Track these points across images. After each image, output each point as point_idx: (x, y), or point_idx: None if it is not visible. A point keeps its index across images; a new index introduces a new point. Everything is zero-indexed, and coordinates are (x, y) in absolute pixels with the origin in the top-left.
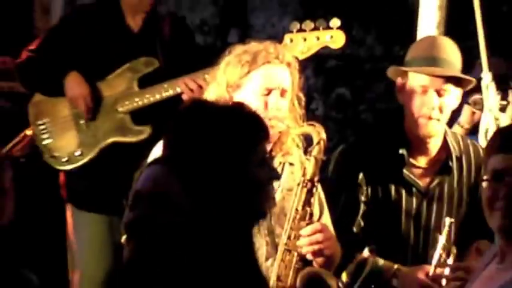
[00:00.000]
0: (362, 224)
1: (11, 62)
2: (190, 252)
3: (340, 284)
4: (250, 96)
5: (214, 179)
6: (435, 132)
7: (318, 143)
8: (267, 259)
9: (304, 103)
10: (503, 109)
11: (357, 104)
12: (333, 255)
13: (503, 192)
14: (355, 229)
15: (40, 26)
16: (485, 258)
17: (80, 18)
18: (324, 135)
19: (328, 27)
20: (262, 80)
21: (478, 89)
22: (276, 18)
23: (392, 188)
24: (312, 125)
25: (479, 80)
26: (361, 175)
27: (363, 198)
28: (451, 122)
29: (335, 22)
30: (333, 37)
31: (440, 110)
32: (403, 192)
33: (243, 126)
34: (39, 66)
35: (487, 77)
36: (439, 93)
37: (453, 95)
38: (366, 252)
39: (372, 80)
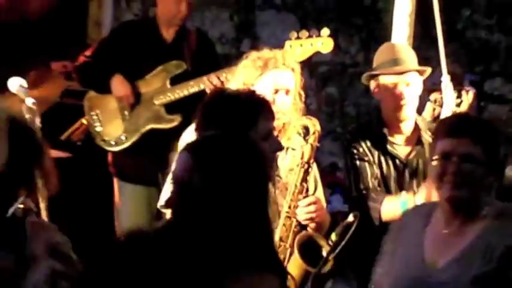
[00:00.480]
0: (371, 183)
1: (71, 65)
2: (213, 221)
3: (329, 243)
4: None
5: (229, 151)
6: (408, 116)
7: (314, 133)
8: None
9: (304, 99)
10: (458, 105)
11: (343, 100)
12: (323, 222)
13: (451, 169)
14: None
15: (93, 36)
16: (415, 219)
17: (125, 31)
18: (318, 127)
19: (319, 35)
20: (271, 81)
21: (438, 89)
22: (279, 32)
23: (382, 159)
24: (309, 118)
25: (439, 82)
26: (361, 149)
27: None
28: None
29: (325, 31)
30: (323, 43)
31: (409, 98)
32: (390, 163)
33: (255, 107)
34: (92, 69)
35: (445, 79)
36: (405, 85)
37: (416, 84)
38: (350, 217)
39: (354, 82)
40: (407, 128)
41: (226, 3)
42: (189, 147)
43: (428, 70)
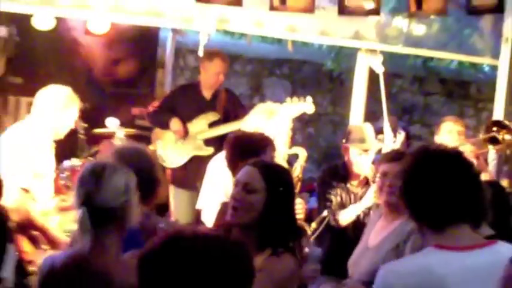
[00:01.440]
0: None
1: (145, 111)
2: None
3: (311, 228)
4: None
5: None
6: (364, 173)
7: (302, 157)
8: None
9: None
10: (394, 142)
11: (318, 136)
12: (304, 216)
13: (387, 182)
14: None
15: (158, 93)
16: (374, 219)
17: (180, 91)
18: (305, 153)
19: (305, 101)
20: (274, 127)
21: (381, 131)
22: (278, 92)
23: (343, 195)
24: (299, 148)
25: (382, 127)
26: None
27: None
28: None
29: (309, 99)
30: (308, 107)
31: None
32: (348, 198)
33: (265, 142)
34: (159, 114)
35: (386, 125)
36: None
37: (372, 153)
38: (325, 213)
39: (325, 125)
40: (362, 176)
41: (244, 73)
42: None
43: (379, 147)
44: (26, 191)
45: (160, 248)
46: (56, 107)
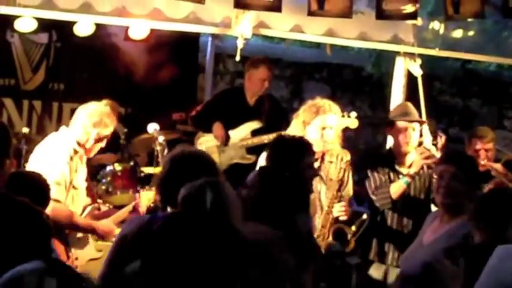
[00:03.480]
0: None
1: (186, 115)
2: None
3: (350, 232)
4: (315, 129)
5: (284, 177)
6: (412, 150)
7: (346, 161)
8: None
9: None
10: (435, 145)
11: (357, 138)
12: (348, 218)
13: (443, 183)
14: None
15: (199, 97)
16: (429, 220)
17: (223, 96)
18: (349, 157)
19: (349, 117)
20: (321, 122)
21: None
22: (316, 95)
23: (392, 176)
24: (344, 150)
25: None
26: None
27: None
28: None
29: (353, 114)
30: (352, 122)
31: (413, 139)
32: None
33: (303, 147)
34: (201, 117)
35: (425, 127)
36: (413, 130)
37: (417, 130)
38: (364, 216)
39: (365, 127)
40: (410, 157)
41: (283, 77)
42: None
43: (425, 122)
44: (58, 201)
45: None
46: (89, 124)
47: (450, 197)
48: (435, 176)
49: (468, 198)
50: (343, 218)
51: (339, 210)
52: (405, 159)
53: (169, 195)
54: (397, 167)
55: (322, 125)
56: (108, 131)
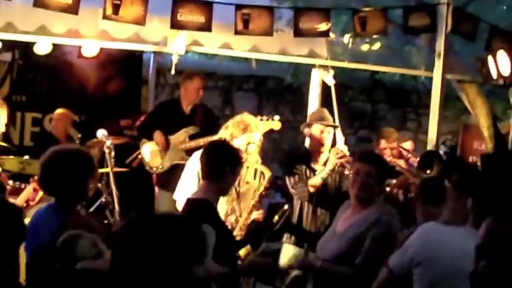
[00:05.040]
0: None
1: (132, 122)
2: None
3: (273, 221)
4: (240, 143)
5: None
6: (326, 150)
7: (268, 178)
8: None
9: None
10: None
11: (281, 140)
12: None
13: (359, 179)
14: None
15: (143, 107)
16: (342, 209)
17: (163, 106)
18: (269, 173)
19: (273, 119)
20: (247, 139)
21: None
22: (245, 103)
23: (308, 172)
24: (265, 167)
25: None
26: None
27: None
28: None
29: (276, 117)
30: (275, 124)
31: (327, 141)
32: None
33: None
34: (145, 127)
35: (338, 129)
36: (328, 133)
37: (331, 133)
38: (286, 207)
39: (287, 131)
40: (324, 156)
41: (216, 88)
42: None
43: (338, 126)
44: None
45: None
46: None
47: (364, 191)
48: (348, 172)
49: (378, 191)
50: (260, 220)
51: (256, 217)
52: (320, 158)
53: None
54: (312, 165)
55: (248, 141)
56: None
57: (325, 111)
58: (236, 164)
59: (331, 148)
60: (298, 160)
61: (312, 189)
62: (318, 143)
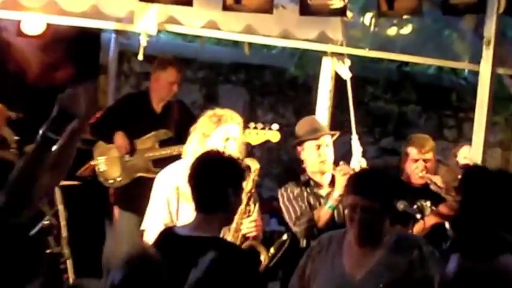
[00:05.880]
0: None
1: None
2: None
3: (269, 254)
4: (216, 141)
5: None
6: (329, 169)
7: (254, 170)
8: None
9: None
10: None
11: (279, 150)
12: (259, 235)
13: (357, 217)
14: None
15: (101, 102)
16: (332, 244)
17: (125, 101)
18: (257, 165)
19: (271, 129)
20: (223, 133)
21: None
22: (234, 99)
23: (311, 199)
24: (251, 159)
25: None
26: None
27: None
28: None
29: (275, 126)
30: (273, 135)
31: (328, 157)
32: (317, 202)
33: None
34: (101, 126)
35: (354, 137)
36: (326, 146)
37: (330, 144)
38: (284, 236)
39: (288, 137)
40: (327, 178)
41: (196, 79)
42: None
43: (337, 134)
44: None
45: None
46: None
47: (366, 230)
48: (346, 207)
49: (383, 225)
50: (252, 234)
51: (248, 227)
52: (323, 180)
53: None
54: (315, 190)
55: (226, 136)
56: None
57: (315, 119)
58: (239, 182)
59: (335, 166)
60: (297, 185)
61: (321, 224)
62: (316, 164)
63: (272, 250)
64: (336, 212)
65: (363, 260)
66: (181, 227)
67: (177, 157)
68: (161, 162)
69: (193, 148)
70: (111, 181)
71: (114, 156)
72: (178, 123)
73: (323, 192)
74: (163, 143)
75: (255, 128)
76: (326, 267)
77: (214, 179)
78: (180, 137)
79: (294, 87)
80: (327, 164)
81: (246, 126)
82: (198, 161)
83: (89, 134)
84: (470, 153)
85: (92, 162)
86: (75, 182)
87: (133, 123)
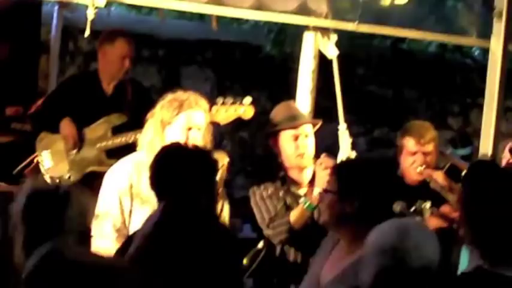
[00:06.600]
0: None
1: (25, 111)
2: None
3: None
4: (177, 131)
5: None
6: (309, 163)
7: (222, 165)
8: None
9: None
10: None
11: (253, 143)
12: None
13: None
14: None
15: (42, 86)
16: (326, 247)
17: (71, 84)
18: (226, 160)
19: (242, 104)
20: (186, 120)
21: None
22: (200, 82)
23: (288, 199)
24: (218, 153)
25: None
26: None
27: None
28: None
29: (247, 99)
30: (246, 110)
31: (308, 149)
32: (295, 203)
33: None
34: (43, 115)
35: (342, 127)
36: (305, 136)
37: (311, 135)
38: (260, 244)
39: (263, 127)
40: (308, 173)
41: (155, 59)
42: None
43: (320, 122)
44: None
45: None
46: None
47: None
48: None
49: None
50: None
51: None
52: (302, 176)
53: None
54: (293, 189)
55: (188, 125)
56: None
57: (294, 105)
58: (211, 178)
59: (315, 158)
60: (273, 182)
61: (297, 226)
62: (293, 157)
63: (245, 261)
64: (316, 212)
65: (337, 263)
66: None
67: (135, 145)
68: (116, 152)
69: (149, 139)
70: (58, 180)
71: (60, 149)
72: (133, 105)
73: (302, 191)
74: (117, 130)
75: (223, 103)
76: (314, 264)
77: (181, 180)
78: (137, 122)
79: (270, 67)
80: (305, 157)
81: (213, 103)
82: (158, 160)
83: (30, 125)
84: (480, 144)
85: (36, 160)
86: (13, 184)
87: (80, 109)
